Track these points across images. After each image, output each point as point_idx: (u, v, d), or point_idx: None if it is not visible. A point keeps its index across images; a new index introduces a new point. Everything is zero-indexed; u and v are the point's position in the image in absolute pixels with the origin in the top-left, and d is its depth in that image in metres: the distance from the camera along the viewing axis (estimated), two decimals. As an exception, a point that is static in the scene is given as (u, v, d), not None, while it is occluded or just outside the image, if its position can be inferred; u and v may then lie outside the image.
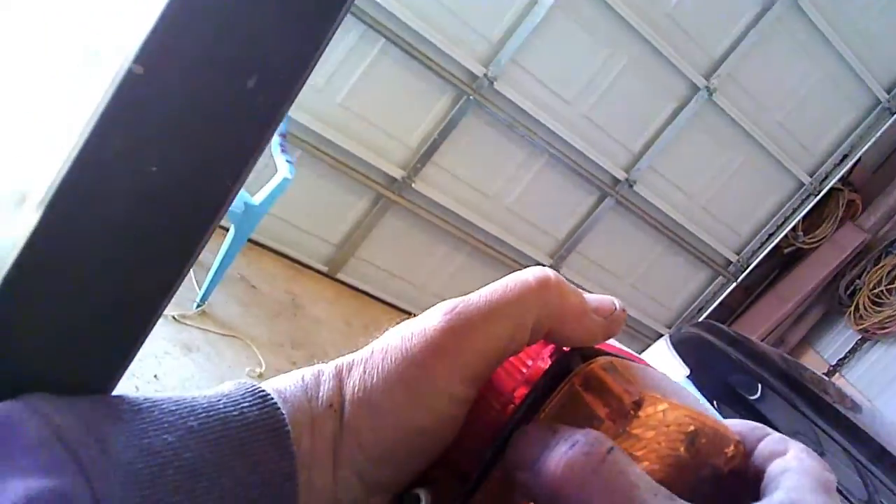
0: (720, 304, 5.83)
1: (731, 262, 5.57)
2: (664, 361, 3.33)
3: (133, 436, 0.30)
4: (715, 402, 2.95)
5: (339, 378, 0.36)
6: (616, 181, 4.85)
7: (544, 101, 4.37)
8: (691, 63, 4.57)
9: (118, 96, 0.29)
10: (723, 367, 3.32)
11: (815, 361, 6.30)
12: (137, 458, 0.29)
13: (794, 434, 2.86)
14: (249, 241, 3.97)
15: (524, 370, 0.38)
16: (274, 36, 0.32)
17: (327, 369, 0.37)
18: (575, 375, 0.36)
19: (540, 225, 4.89)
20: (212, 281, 3.35)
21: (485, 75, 4.11)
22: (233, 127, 0.32)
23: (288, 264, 4.32)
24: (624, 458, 0.32)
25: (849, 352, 6.12)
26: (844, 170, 5.42)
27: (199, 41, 0.30)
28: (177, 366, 3.04)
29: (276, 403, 0.34)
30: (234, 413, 0.33)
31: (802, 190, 5.39)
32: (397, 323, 0.38)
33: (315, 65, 0.35)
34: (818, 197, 5.45)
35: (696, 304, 5.72)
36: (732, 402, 3.06)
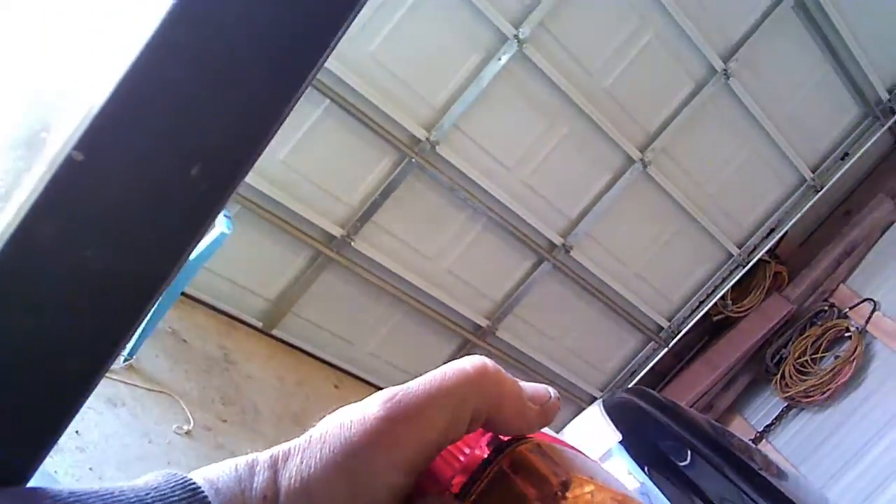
0: (652, 369, 5.91)
1: (663, 328, 5.68)
2: (597, 427, 3.35)
3: None
4: (646, 468, 2.98)
5: (275, 468, 0.36)
6: (553, 246, 4.92)
7: (485, 167, 4.44)
8: (627, 136, 4.71)
9: (56, 181, 0.29)
10: (654, 434, 3.35)
11: (743, 428, 6.40)
12: None
13: (721, 501, 2.90)
14: (182, 294, 3.90)
15: (462, 458, 0.39)
16: (221, 125, 0.32)
17: (262, 458, 0.36)
18: (503, 457, 0.36)
19: (478, 287, 4.92)
20: (141, 334, 3.26)
21: (427, 139, 4.16)
22: (174, 214, 0.32)
23: (222, 319, 4.24)
24: None
25: (775, 419, 6.23)
26: (771, 243, 5.62)
27: (144, 130, 0.30)
28: (100, 421, 2.93)
29: (206, 498, 0.33)
30: None
31: (731, 261, 5.56)
32: (332, 411, 0.38)
33: (260, 153, 0.35)
34: (746, 268, 5.63)
35: (628, 367, 5.80)
36: (663, 468, 3.09)
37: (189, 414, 3.27)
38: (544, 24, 4.12)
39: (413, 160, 4.18)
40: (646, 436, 3.38)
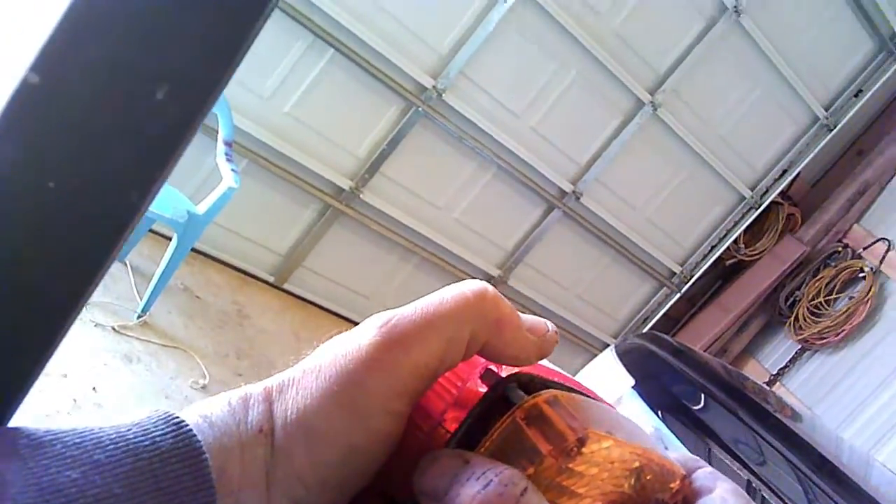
0: (665, 314, 5.91)
1: (675, 274, 5.66)
2: (610, 372, 3.36)
3: (32, 474, 0.27)
4: (660, 413, 2.99)
5: (269, 401, 0.35)
6: (563, 193, 4.89)
7: (493, 114, 4.39)
8: (637, 78, 4.64)
9: (12, 107, 0.27)
10: (667, 378, 3.36)
11: (757, 370, 6.42)
12: (38, 498, 0.27)
13: (736, 443, 2.91)
14: (193, 250, 3.91)
15: (454, 391, 0.38)
16: (186, 42, 0.30)
17: (255, 392, 0.35)
18: (518, 408, 0.35)
19: (488, 236, 4.90)
20: (153, 291, 3.28)
21: (434, 87, 4.11)
22: (140, 141, 0.29)
23: (233, 274, 4.25)
24: (538, 500, 0.31)
25: (789, 361, 6.25)
26: (784, 184, 5.55)
27: (102, 48, 0.28)
28: (117, 377, 2.96)
29: (190, 430, 0.32)
30: (146, 443, 0.30)
31: (743, 203, 5.51)
32: (329, 338, 0.37)
33: (232, 73, 0.33)
34: (759, 210, 5.58)
35: (640, 314, 5.80)
36: (677, 412, 3.09)
37: (204, 369, 3.29)
38: (549, -36, 4.04)
39: (420, 109, 4.13)
40: (659, 380, 3.39)
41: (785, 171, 5.47)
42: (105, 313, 3.17)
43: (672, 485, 0.39)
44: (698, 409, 3.16)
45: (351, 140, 4.16)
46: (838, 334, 5.90)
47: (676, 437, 2.91)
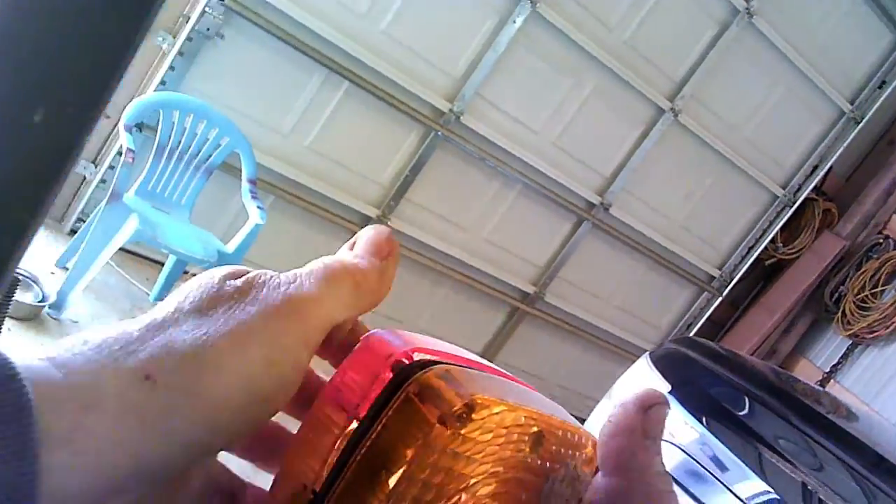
0: (708, 319, 5.84)
1: (714, 278, 5.60)
2: (645, 379, 3.33)
3: None
4: (703, 419, 2.95)
5: (154, 338, 0.32)
6: (591, 205, 4.89)
7: (512, 132, 4.43)
8: (654, 87, 4.64)
9: None
10: (707, 383, 3.31)
11: (809, 370, 6.29)
12: None
13: (788, 447, 2.85)
14: (229, 289, 3.98)
15: (365, 385, 0.38)
16: (63, 61, 0.29)
17: (135, 328, 0.32)
18: (410, 384, 0.36)
19: (520, 254, 4.92)
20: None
21: (450, 110, 4.17)
22: (18, 167, 0.28)
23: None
24: None
25: (841, 357, 6.12)
26: (816, 180, 5.48)
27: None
28: None
29: (15, 371, 0.27)
30: None
31: (777, 202, 5.45)
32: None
33: (114, 90, 0.34)
34: (793, 208, 5.51)
35: (683, 321, 5.74)
36: (721, 417, 3.05)
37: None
38: (555, -19, 4.09)
39: (439, 133, 4.19)
40: (696, 385, 3.35)
41: (816, 167, 5.40)
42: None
43: (584, 451, 0.40)
44: (744, 414, 3.10)
45: (374, 169, 4.23)
46: (888, 326, 5.77)
47: (723, 442, 2.87)
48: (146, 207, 3.19)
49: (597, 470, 0.39)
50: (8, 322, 2.72)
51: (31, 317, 2.84)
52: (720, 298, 5.71)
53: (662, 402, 0.38)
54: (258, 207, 3.32)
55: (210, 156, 3.38)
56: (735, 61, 4.75)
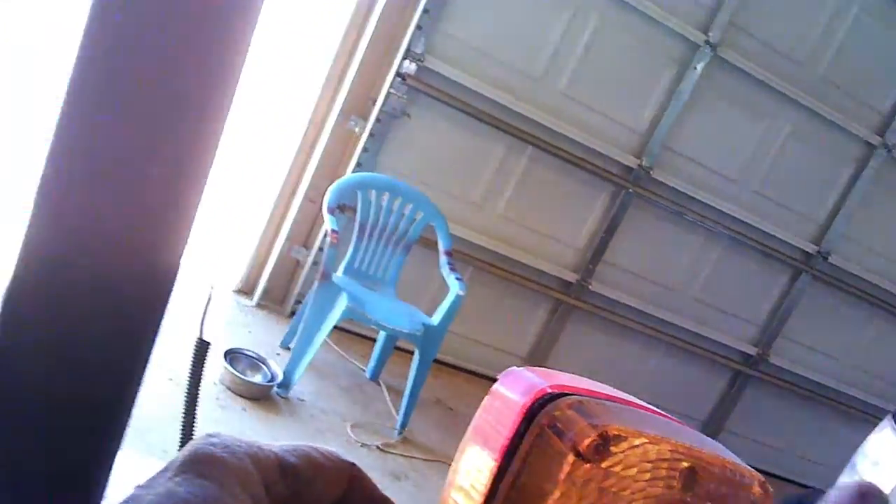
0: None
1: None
2: (887, 440, 3.01)
3: None
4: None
5: None
6: (807, 255, 4.61)
7: (708, 183, 4.32)
8: (859, 121, 4.39)
9: None
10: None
11: None
12: None
13: None
14: (440, 362, 4.08)
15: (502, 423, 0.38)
16: None
17: None
18: (544, 415, 0.36)
19: (735, 312, 4.68)
20: (407, 407, 3.44)
21: (639, 166, 4.15)
22: None
23: (481, 383, 4.35)
24: None
25: None
26: None
27: None
28: (390, 496, 3.09)
29: None
30: None
31: None
32: None
33: None
34: None
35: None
36: None
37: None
38: (733, 22, 4.05)
39: (630, 190, 4.18)
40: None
41: None
42: (368, 433, 3.34)
43: (751, 492, 0.38)
44: None
45: (567, 232, 4.25)
46: None
47: None
48: (354, 285, 3.38)
49: None
50: (242, 402, 2.97)
51: (262, 397, 3.06)
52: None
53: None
54: (457, 279, 3.42)
55: (407, 231, 3.56)
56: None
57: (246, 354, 3.19)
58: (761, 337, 4.76)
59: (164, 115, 0.53)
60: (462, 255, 3.93)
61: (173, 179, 0.55)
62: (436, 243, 3.58)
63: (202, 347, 1.45)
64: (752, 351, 4.73)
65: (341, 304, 3.15)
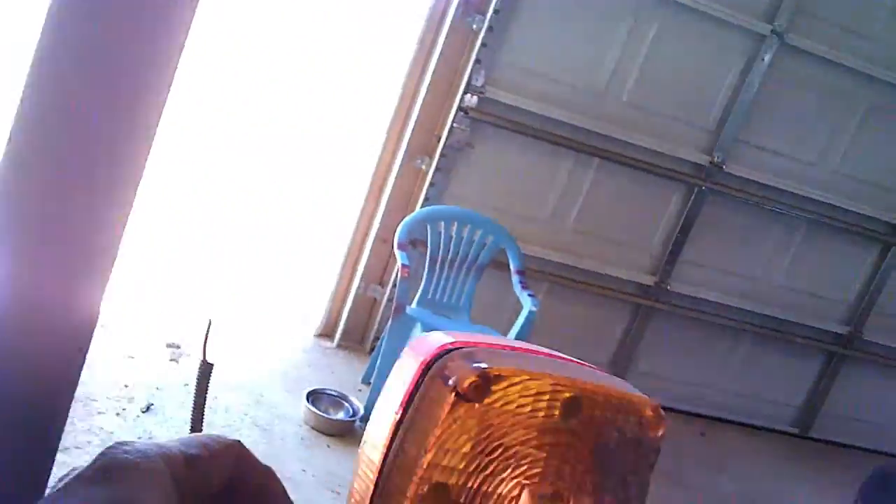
0: None
1: None
2: None
3: None
4: None
5: None
6: (894, 228, 4.43)
7: (785, 170, 4.18)
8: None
9: None
10: None
11: None
12: None
13: None
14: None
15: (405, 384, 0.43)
16: None
17: None
18: (437, 367, 0.40)
19: (824, 294, 4.54)
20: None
21: (711, 162, 4.03)
22: None
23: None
24: None
25: None
26: None
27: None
28: None
29: None
30: None
31: None
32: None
33: None
34: None
35: None
36: None
37: None
38: (799, 8, 3.86)
39: (703, 188, 4.06)
40: None
41: None
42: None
43: (643, 416, 0.40)
44: None
45: (642, 236, 4.17)
46: None
47: None
48: (428, 315, 3.43)
49: (663, 434, 0.39)
50: (326, 439, 3.05)
51: (346, 432, 3.14)
52: None
53: None
54: (529, 296, 3.42)
55: (478, 256, 3.57)
56: None
57: (328, 393, 3.27)
58: (852, 315, 4.62)
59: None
60: (536, 273, 3.91)
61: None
62: (508, 264, 3.57)
63: (206, 369, 1.60)
64: (844, 330, 4.60)
65: (416, 334, 3.19)
